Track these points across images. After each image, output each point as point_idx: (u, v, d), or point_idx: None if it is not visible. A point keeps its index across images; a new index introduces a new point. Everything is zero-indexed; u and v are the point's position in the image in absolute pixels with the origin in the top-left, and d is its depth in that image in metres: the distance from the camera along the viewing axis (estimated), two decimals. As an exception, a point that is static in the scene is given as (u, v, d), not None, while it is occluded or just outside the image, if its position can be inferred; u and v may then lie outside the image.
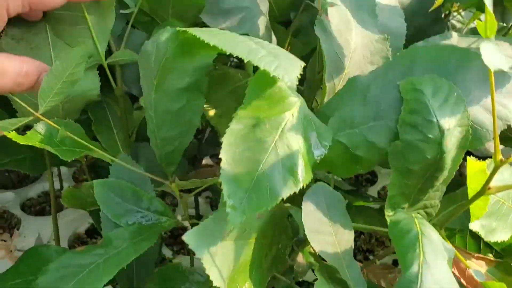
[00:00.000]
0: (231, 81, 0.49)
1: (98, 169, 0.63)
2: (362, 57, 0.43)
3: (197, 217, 0.72)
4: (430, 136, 0.32)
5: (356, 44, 0.43)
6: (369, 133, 0.35)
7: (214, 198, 0.71)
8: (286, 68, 0.29)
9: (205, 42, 0.31)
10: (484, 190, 0.32)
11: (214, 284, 0.28)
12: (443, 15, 0.58)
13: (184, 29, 0.34)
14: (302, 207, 0.33)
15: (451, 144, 0.33)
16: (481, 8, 0.55)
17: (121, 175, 0.44)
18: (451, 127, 0.33)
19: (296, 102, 0.31)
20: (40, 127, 0.42)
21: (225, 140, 0.29)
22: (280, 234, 0.38)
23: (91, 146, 0.42)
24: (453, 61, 0.36)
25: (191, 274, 0.41)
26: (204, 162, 0.66)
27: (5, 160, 0.53)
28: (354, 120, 0.35)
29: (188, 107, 0.40)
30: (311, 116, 0.32)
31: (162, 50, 0.38)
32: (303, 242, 0.42)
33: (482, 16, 0.60)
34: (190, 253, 0.48)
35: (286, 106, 0.30)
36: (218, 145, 0.69)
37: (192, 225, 0.44)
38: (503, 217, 0.39)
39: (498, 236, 0.38)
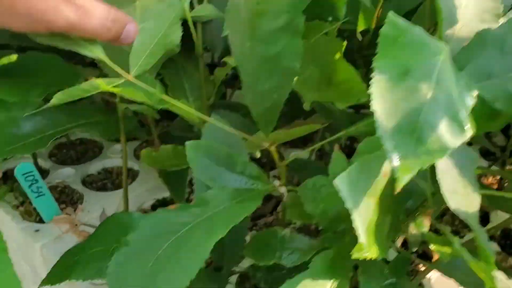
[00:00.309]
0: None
1: (169, 139, 0.61)
2: (473, 14, 0.40)
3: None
4: None
5: (468, 0, 0.40)
6: (510, 84, 0.31)
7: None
8: None
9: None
10: None
11: (359, 234, 0.26)
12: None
13: None
14: (437, 164, 0.30)
15: None
16: None
17: (214, 137, 0.42)
18: None
19: (443, 46, 0.28)
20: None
21: (375, 91, 0.26)
22: (394, 199, 0.35)
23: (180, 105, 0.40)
24: None
25: (291, 241, 0.39)
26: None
27: (81, 121, 0.52)
28: (492, 71, 0.32)
29: (285, 52, 0.36)
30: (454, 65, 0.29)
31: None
32: (414, 211, 0.39)
33: None
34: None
35: (434, 51, 0.28)
36: (299, 115, 0.65)
37: (289, 191, 0.42)
38: None
39: None
